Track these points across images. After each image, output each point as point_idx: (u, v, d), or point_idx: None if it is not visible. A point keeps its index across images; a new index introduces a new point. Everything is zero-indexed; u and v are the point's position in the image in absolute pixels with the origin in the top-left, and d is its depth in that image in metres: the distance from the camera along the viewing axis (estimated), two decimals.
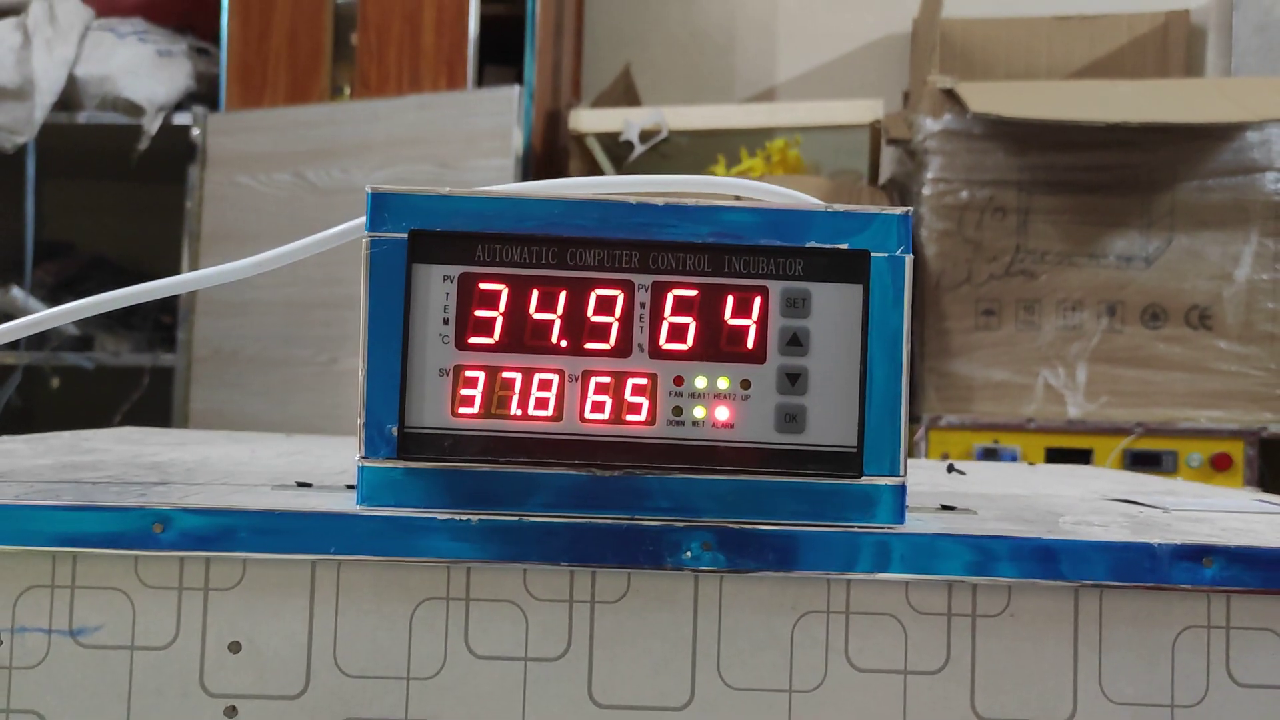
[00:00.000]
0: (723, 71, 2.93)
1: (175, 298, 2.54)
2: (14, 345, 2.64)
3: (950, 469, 0.96)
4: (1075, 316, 2.30)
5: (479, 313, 0.51)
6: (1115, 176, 2.29)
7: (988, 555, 0.51)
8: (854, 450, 0.51)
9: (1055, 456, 2.13)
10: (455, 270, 0.51)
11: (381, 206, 0.52)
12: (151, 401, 2.60)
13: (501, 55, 2.47)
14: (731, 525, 0.51)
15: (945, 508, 0.60)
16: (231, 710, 0.51)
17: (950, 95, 2.25)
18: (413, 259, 0.51)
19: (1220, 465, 2.15)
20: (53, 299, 2.67)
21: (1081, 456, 2.15)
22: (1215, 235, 2.28)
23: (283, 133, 2.43)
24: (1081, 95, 2.34)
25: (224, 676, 0.51)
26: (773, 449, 0.51)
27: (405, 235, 0.52)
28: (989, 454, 2.17)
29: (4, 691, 0.50)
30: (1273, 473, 2.20)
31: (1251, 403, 2.19)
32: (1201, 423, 2.18)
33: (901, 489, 0.52)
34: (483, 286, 0.51)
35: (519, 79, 2.33)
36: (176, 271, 2.57)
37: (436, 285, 0.51)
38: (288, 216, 2.39)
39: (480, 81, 2.38)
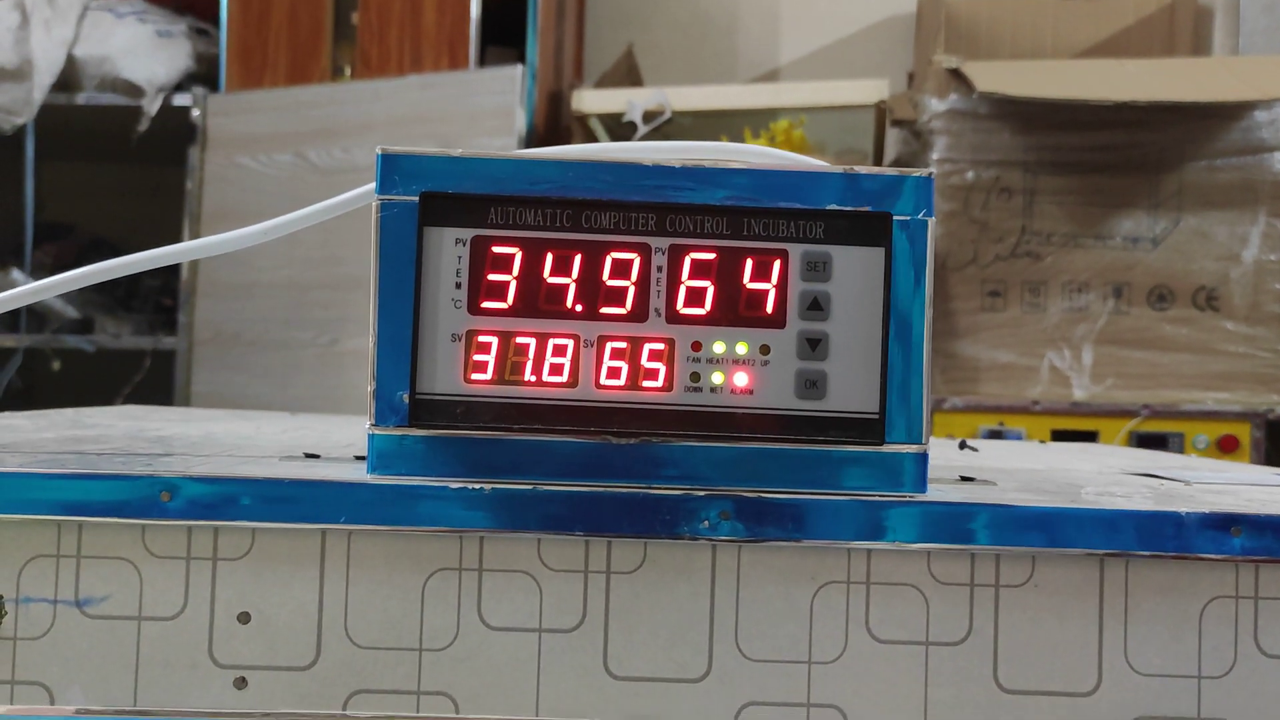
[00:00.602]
0: (725, 53, 2.91)
1: (176, 280, 2.53)
2: (14, 328, 2.63)
3: (962, 445, 0.95)
4: (1081, 298, 2.29)
5: (492, 277, 0.50)
6: (1122, 157, 2.27)
7: (1011, 524, 0.50)
8: (876, 417, 0.50)
9: (1061, 439, 2.12)
10: (468, 233, 0.50)
11: (392, 169, 0.51)
12: (153, 384, 2.59)
13: (503, 36, 2.45)
14: (750, 494, 0.50)
15: (964, 479, 0.59)
16: (241, 681, 0.50)
17: (956, 75, 2.23)
18: (424, 222, 0.50)
19: (1227, 447, 2.14)
20: None
21: (1087, 439, 2.14)
22: (1222, 216, 2.27)
23: (283, 113, 2.41)
24: (1088, 74, 2.32)
25: (233, 647, 0.50)
26: (793, 415, 0.50)
27: (416, 198, 0.50)
28: (994, 436, 2.16)
29: (9, 663, 0.49)
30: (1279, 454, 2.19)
31: (1258, 384, 2.18)
32: (1208, 404, 2.17)
33: (923, 457, 0.51)
34: (495, 250, 0.50)
35: (521, 60, 2.31)
36: None
37: (448, 249, 0.50)
38: (289, 197, 2.37)
39: (482, 62, 2.36)
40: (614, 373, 0.50)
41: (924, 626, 0.51)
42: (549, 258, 0.50)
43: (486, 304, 0.50)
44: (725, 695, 0.50)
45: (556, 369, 0.50)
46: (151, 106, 2.51)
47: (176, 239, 2.55)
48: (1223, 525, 0.50)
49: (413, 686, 0.50)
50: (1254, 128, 2.23)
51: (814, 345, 0.50)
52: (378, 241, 0.51)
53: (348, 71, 2.44)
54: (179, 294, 2.51)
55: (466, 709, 0.50)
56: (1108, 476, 0.67)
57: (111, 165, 3.02)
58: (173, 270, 2.56)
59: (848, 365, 0.50)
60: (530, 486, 0.50)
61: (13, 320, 2.71)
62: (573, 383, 0.50)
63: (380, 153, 0.51)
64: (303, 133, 2.35)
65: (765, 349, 0.50)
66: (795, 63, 2.91)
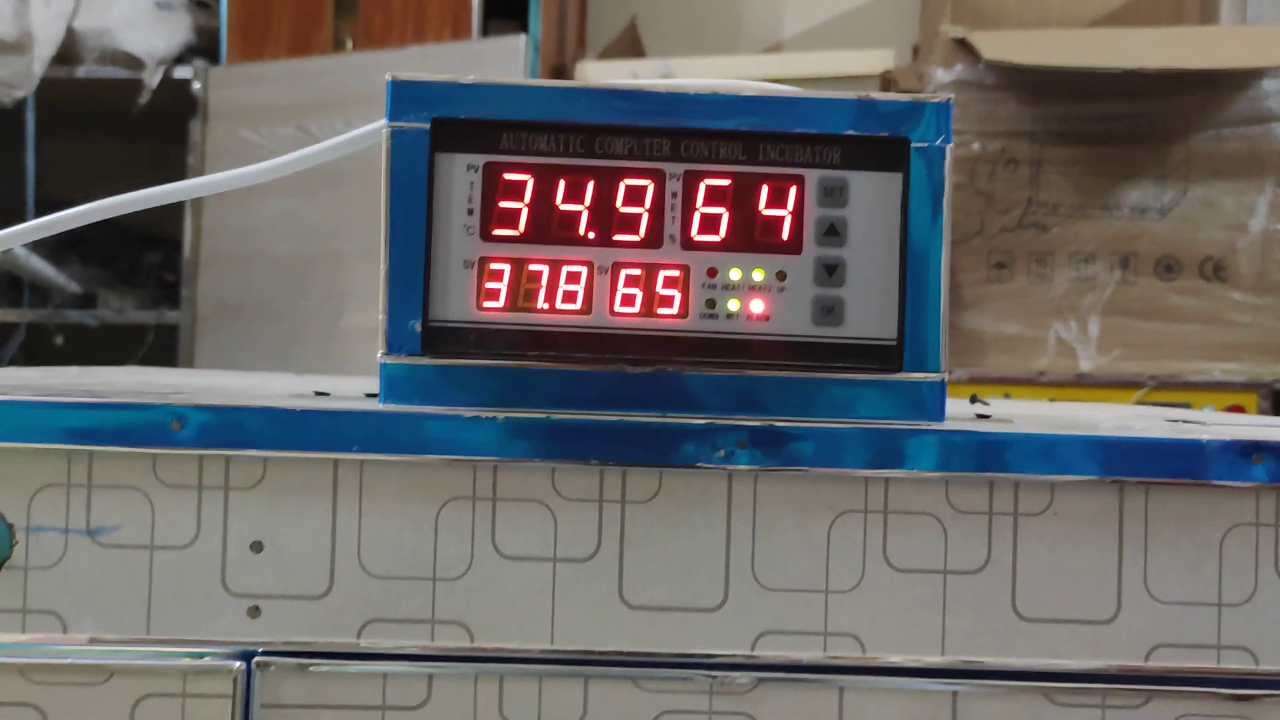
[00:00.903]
0: (729, 25, 2.89)
1: (179, 254, 2.52)
2: (16, 303, 2.63)
3: (973, 400, 0.95)
4: (1088, 269, 2.27)
5: (504, 203, 0.49)
6: (1129, 127, 2.26)
7: (1030, 452, 0.50)
8: (893, 343, 0.49)
9: None
10: (479, 159, 0.49)
11: (403, 95, 0.50)
12: (156, 358, 2.58)
13: (506, 9, 2.44)
14: (766, 423, 0.49)
15: (981, 417, 0.59)
16: (255, 610, 0.49)
17: (962, 45, 2.21)
18: (435, 148, 0.49)
19: None
20: (54, 257, 2.65)
21: None
22: (1230, 185, 2.25)
23: (285, 85, 2.40)
24: (1095, 43, 2.30)
25: (246, 577, 0.49)
26: (810, 342, 0.49)
27: (427, 125, 0.50)
28: None
29: (21, 592, 0.49)
30: None
31: (1265, 355, 2.17)
32: (1215, 375, 2.16)
33: (941, 385, 0.51)
34: (508, 176, 0.49)
35: (524, 30, 2.29)
36: (178, 228, 2.55)
37: (460, 175, 0.49)
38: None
39: (485, 34, 2.35)
40: (628, 300, 0.49)
41: (942, 555, 0.50)
42: (561, 184, 0.49)
43: (499, 230, 0.49)
44: (742, 624, 0.50)
45: (570, 296, 0.49)
46: (152, 79, 2.49)
47: (179, 213, 2.54)
48: (1244, 453, 0.49)
49: (427, 616, 0.50)
50: (1261, 97, 2.21)
51: (831, 271, 0.49)
52: (388, 169, 0.50)
53: (350, 43, 2.43)
54: (181, 268, 2.50)
55: (481, 638, 0.50)
56: (1124, 418, 0.67)
57: (112, 140, 3.00)
58: (175, 244, 2.55)
59: (865, 292, 0.49)
60: (544, 415, 0.49)
61: (15, 295, 2.70)
62: (586, 310, 0.49)
63: (390, 79, 0.50)
64: (305, 104, 2.34)
65: (781, 275, 0.49)
66: (800, 35, 2.89)
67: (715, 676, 0.50)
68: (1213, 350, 2.22)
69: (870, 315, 0.49)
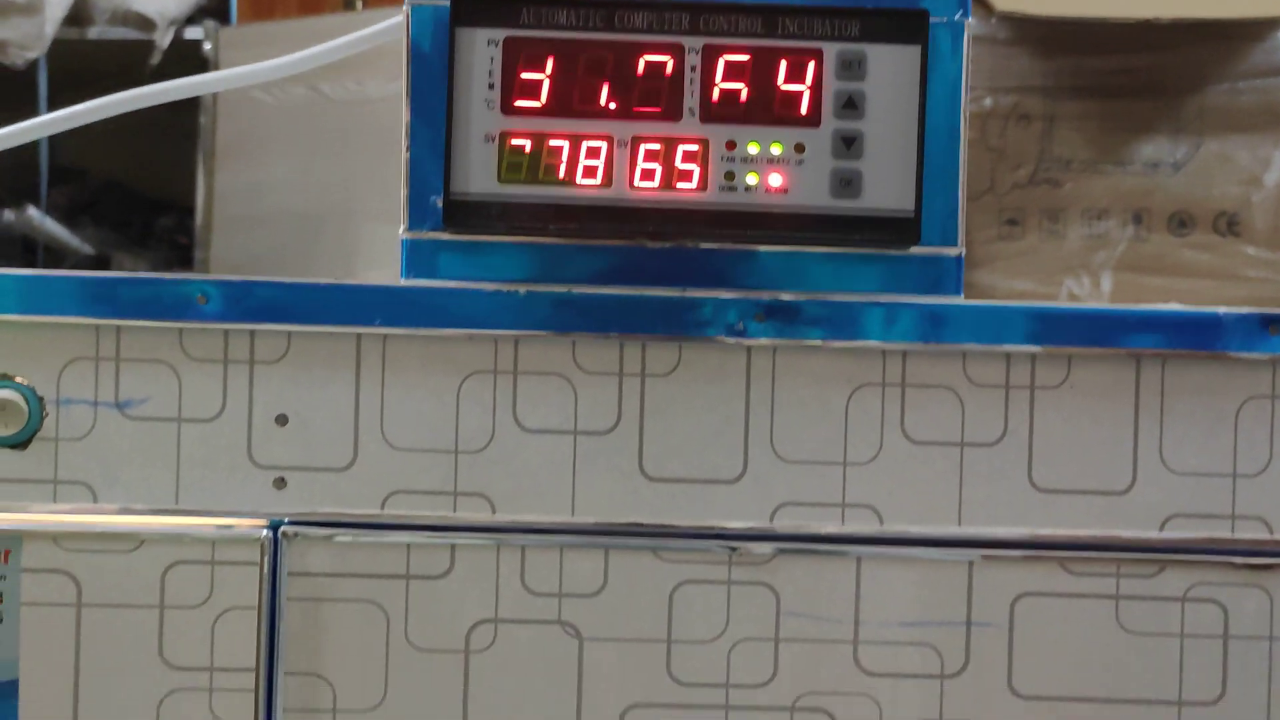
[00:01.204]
0: None
1: (192, 218, 2.53)
2: (31, 265, 2.64)
3: None
4: (1100, 225, 2.26)
5: (525, 76, 0.50)
6: (1143, 80, 2.24)
7: (1048, 324, 0.50)
8: (911, 216, 0.50)
9: None
10: (499, 34, 0.50)
11: None
12: None
13: None
14: (785, 296, 0.50)
15: None
16: (280, 482, 0.50)
17: None
18: (455, 23, 0.50)
19: None
20: (68, 221, 2.66)
21: None
22: (1245, 139, 2.24)
23: (296, 45, 2.39)
24: None
25: (271, 449, 0.50)
26: (828, 215, 0.50)
27: (447, 1, 0.50)
28: None
29: (52, 463, 0.50)
30: None
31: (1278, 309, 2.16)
32: None
33: (959, 260, 0.51)
34: (528, 50, 0.50)
35: None
36: (191, 192, 2.56)
37: (480, 49, 0.50)
38: (303, 131, 2.36)
39: None
40: (648, 174, 0.50)
41: (959, 428, 0.51)
42: (582, 58, 0.50)
43: (520, 103, 0.50)
44: (760, 496, 0.51)
45: (590, 170, 0.49)
46: (163, 40, 2.49)
47: (190, 177, 2.54)
48: (1262, 324, 0.50)
49: (449, 488, 0.50)
50: (1277, 49, 2.20)
51: (849, 144, 0.50)
52: (409, 46, 0.50)
53: (360, 2, 2.43)
54: (194, 231, 2.51)
55: (503, 510, 0.51)
56: None
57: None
58: (188, 208, 2.56)
59: (883, 164, 0.50)
60: (565, 290, 0.50)
61: (29, 258, 2.72)
62: (606, 184, 0.50)
63: None
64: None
65: (800, 148, 0.50)
66: None
67: (734, 547, 0.51)
68: (1226, 306, 2.22)
69: (888, 188, 0.50)
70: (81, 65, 2.76)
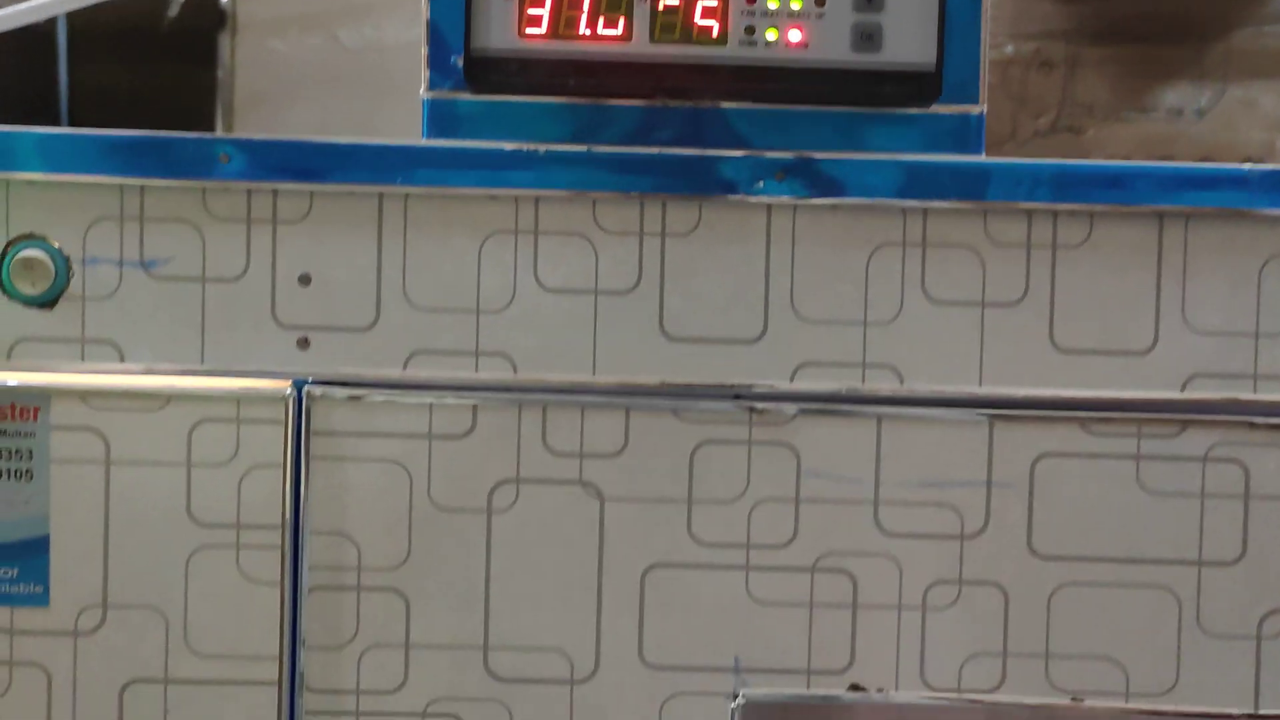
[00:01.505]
0: None
1: None
2: None
3: None
4: None
5: None
6: (1167, 25, 2.21)
7: (1070, 182, 0.50)
8: (932, 70, 0.49)
9: None
10: None
11: None
12: None
13: None
14: (805, 155, 0.50)
15: None
16: (303, 342, 0.51)
17: None
18: None
19: None
20: None
21: None
22: (1270, 85, 2.20)
23: None
24: None
25: (295, 308, 0.51)
26: (848, 70, 0.50)
27: None
28: None
29: (79, 322, 0.50)
30: None
31: None
32: None
33: (981, 118, 0.51)
34: None
35: None
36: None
37: None
38: (321, 80, 2.36)
39: None
40: (668, 27, 0.49)
41: (980, 287, 0.51)
42: None
43: None
44: (781, 356, 0.51)
45: (611, 21, 0.49)
46: None
47: (210, 131, 2.54)
48: None
49: (471, 347, 0.51)
50: None
51: None
52: None
53: None
54: None
55: (524, 369, 0.51)
56: None
57: (142, 61, 3.01)
58: None
59: (904, 17, 0.49)
60: (584, 149, 0.50)
61: None
62: (627, 37, 0.50)
63: None
64: (333, 12, 2.33)
65: (820, 1, 0.49)
66: None
67: (754, 408, 0.51)
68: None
69: (909, 41, 0.49)
70: (101, 26, 2.77)
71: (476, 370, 0.51)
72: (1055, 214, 0.50)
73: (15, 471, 0.50)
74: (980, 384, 0.51)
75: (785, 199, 0.50)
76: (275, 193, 0.50)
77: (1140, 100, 2.56)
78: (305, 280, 0.51)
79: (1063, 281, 0.50)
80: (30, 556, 0.50)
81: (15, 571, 0.50)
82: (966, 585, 0.51)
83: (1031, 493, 0.51)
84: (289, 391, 0.50)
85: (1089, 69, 2.57)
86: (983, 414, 0.51)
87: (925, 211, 0.50)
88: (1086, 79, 2.55)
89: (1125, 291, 0.50)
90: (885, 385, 0.51)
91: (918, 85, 0.49)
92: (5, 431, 0.50)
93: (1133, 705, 0.51)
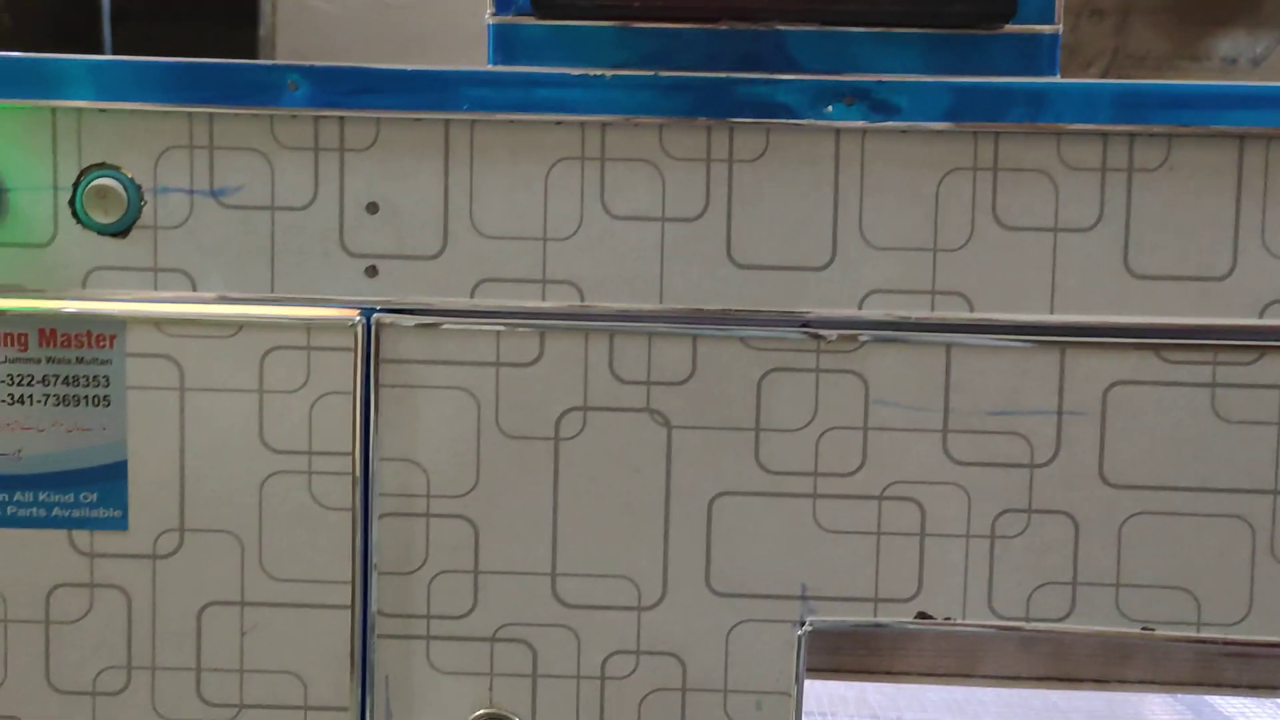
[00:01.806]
0: None
1: None
2: None
3: None
4: None
5: None
6: None
7: (1148, 103, 0.49)
8: None
9: None
10: None
11: None
12: None
13: None
14: (874, 78, 0.49)
15: None
16: (372, 270, 0.51)
17: None
18: None
19: None
20: None
21: None
22: None
23: None
24: None
25: (363, 237, 0.51)
26: None
27: None
28: None
29: (151, 251, 0.51)
30: None
31: None
32: None
33: (1055, 38, 0.50)
34: None
35: None
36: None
37: None
38: (362, 37, 2.36)
39: None
40: None
41: (1053, 212, 0.50)
42: None
43: None
44: (849, 283, 0.50)
45: None
46: None
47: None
48: None
49: (538, 275, 0.51)
50: None
51: None
52: None
53: None
54: None
55: (591, 297, 0.51)
56: None
57: (183, 24, 3.03)
58: None
59: None
60: (651, 74, 0.50)
61: None
62: None
63: None
64: None
65: None
66: None
67: (822, 335, 0.51)
68: None
69: None
70: None
71: (544, 298, 0.51)
72: (1132, 137, 0.49)
73: (93, 398, 0.51)
74: (1052, 311, 0.50)
75: (854, 124, 0.49)
76: (342, 120, 0.50)
77: (1193, 49, 2.50)
78: (373, 208, 0.51)
79: (1138, 206, 0.50)
80: (109, 481, 0.51)
81: (95, 496, 0.51)
82: (1036, 514, 0.51)
83: (1104, 421, 0.50)
84: (358, 319, 0.51)
85: (1141, 17, 2.52)
86: (1055, 340, 0.50)
87: (997, 135, 0.50)
88: (1138, 27, 2.49)
89: (1203, 216, 0.49)
90: (955, 313, 0.50)
91: (993, 4, 0.48)
92: (82, 359, 0.51)
93: (1205, 634, 0.51)
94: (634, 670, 0.52)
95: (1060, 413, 0.50)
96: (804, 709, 0.52)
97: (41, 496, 0.51)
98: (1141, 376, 0.50)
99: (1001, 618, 0.51)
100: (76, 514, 0.51)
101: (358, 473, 0.51)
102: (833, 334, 0.50)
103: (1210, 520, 0.50)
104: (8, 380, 0.51)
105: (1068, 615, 0.51)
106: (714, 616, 0.51)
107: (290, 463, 0.51)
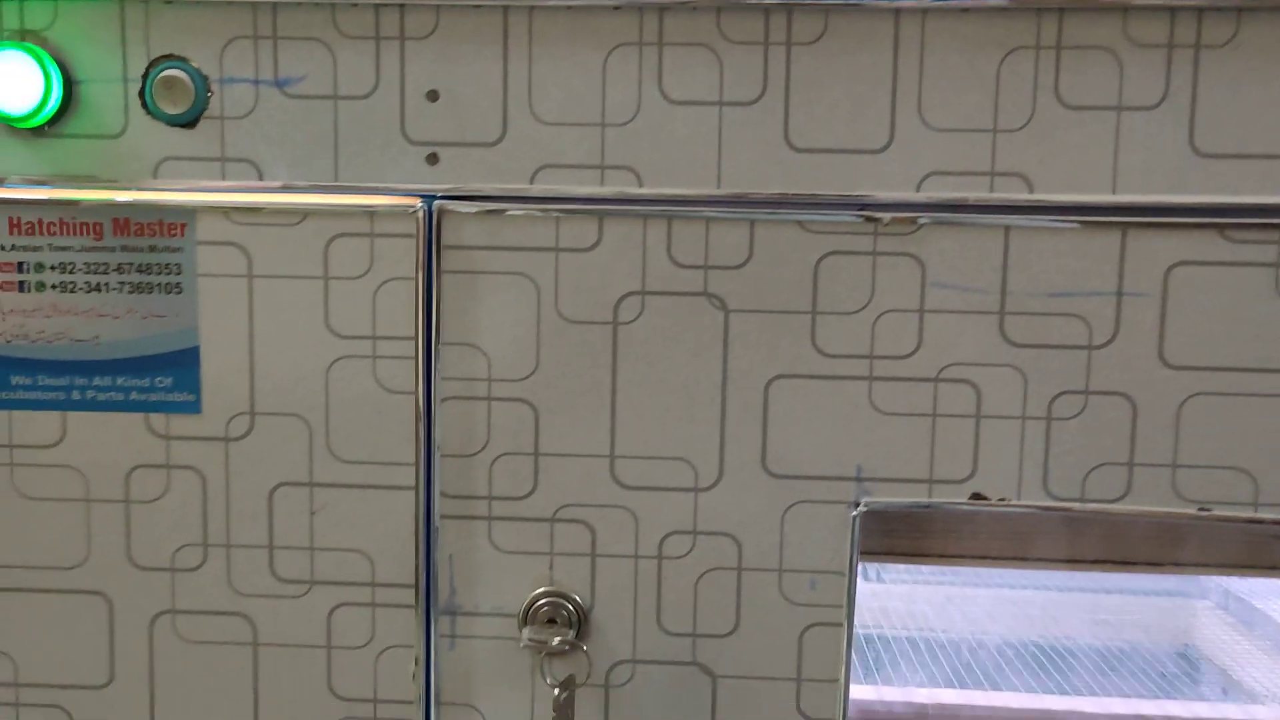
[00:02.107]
0: None
1: None
2: None
3: None
4: None
5: None
6: None
7: None
8: None
9: None
10: None
11: None
12: None
13: None
14: None
15: None
16: (433, 158, 0.52)
17: None
18: None
19: None
20: None
21: None
22: None
23: None
24: None
25: (424, 124, 0.52)
26: None
27: None
28: None
29: (219, 141, 0.52)
30: None
31: None
32: None
33: None
34: None
35: None
36: None
37: None
38: None
39: None
40: None
41: (1116, 90, 0.49)
42: None
43: None
44: (907, 165, 0.50)
45: None
46: None
47: None
48: None
49: (596, 161, 0.51)
50: None
51: None
52: None
53: None
54: None
55: (649, 182, 0.51)
56: None
57: None
58: None
59: None
60: None
61: None
62: None
63: None
64: None
65: None
66: None
67: (879, 218, 0.51)
68: None
69: None
70: None
71: (602, 183, 0.51)
72: (1200, 11, 0.48)
73: (165, 285, 0.53)
74: (1114, 191, 0.50)
75: (913, 3, 0.49)
76: (402, 8, 0.51)
77: None
78: (433, 96, 0.51)
79: (1205, 83, 0.49)
80: (182, 366, 0.53)
81: (169, 381, 0.53)
82: (1093, 395, 0.51)
83: (1164, 301, 0.50)
84: (419, 206, 0.52)
85: None
86: (1116, 220, 0.50)
87: (1061, 11, 0.49)
88: None
89: (1271, 93, 0.48)
90: (1014, 194, 0.50)
91: None
92: (155, 247, 0.52)
93: (1262, 515, 0.51)
94: (690, 550, 0.53)
95: (1120, 294, 0.50)
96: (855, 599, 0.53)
97: (119, 381, 0.53)
98: (1204, 256, 0.50)
99: (1056, 499, 0.51)
100: (152, 398, 0.53)
101: (420, 357, 0.52)
102: (889, 216, 0.50)
103: (1270, 400, 0.50)
104: (85, 269, 0.53)
105: (1123, 496, 0.51)
106: (769, 498, 0.52)
107: (355, 348, 0.52)
